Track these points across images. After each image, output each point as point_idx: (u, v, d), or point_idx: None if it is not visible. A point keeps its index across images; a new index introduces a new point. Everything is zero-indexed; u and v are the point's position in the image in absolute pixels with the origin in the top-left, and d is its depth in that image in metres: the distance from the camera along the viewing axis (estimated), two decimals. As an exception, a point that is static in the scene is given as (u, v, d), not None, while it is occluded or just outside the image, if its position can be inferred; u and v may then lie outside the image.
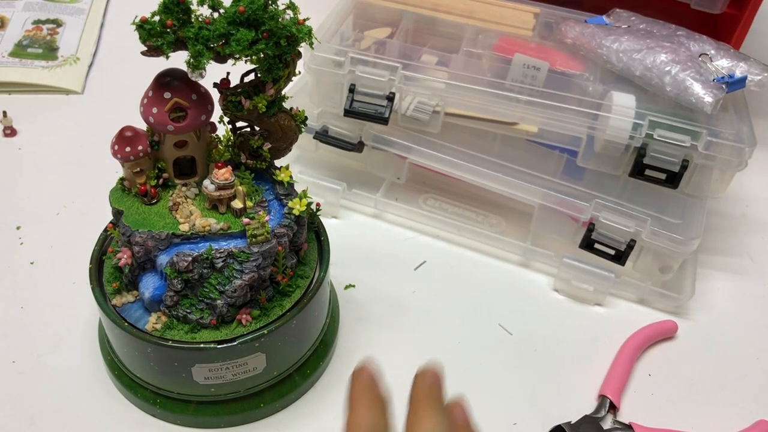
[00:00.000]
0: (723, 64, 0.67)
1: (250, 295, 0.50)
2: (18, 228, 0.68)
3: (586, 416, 0.57)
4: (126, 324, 0.50)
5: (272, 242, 0.49)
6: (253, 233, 0.48)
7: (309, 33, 0.45)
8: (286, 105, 0.51)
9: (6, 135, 0.77)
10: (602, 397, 0.58)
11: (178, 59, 0.46)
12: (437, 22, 0.76)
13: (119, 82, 0.87)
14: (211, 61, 0.44)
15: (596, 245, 0.65)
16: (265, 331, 0.50)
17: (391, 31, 0.75)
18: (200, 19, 0.44)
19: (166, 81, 0.47)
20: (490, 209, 0.73)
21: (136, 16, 0.43)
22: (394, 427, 0.34)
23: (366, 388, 0.34)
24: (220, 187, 0.49)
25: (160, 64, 0.47)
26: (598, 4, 0.78)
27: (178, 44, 0.44)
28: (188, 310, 0.49)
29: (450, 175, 0.69)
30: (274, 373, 0.54)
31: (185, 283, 0.48)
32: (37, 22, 0.93)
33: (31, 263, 0.65)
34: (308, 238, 0.56)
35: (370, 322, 0.63)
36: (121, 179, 0.51)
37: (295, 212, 0.50)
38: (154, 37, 0.43)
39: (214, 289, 0.48)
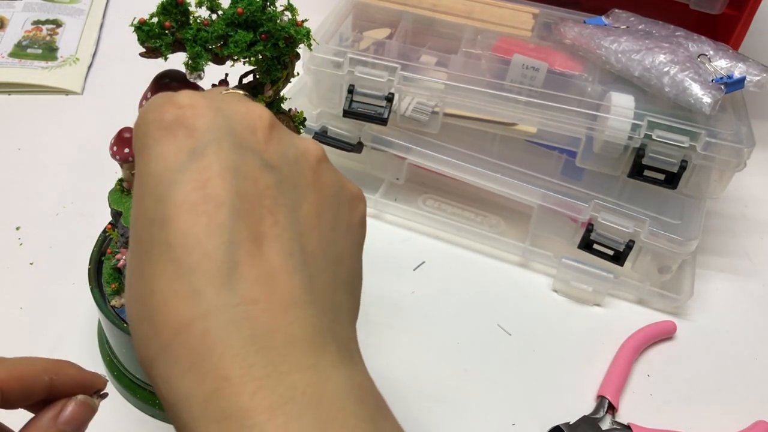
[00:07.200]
0: (722, 64, 0.66)
1: (249, 296, 0.50)
2: (17, 228, 0.68)
3: (584, 417, 0.57)
4: (125, 325, 0.50)
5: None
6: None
7: (307, 34, 0.45)
8: (285, 106, 0.51)
9: None
10: (601, 398, 0.58)
11: (177, 61, 0.46)
12: (436, 23, 0.76)
13: (119, 83, 0.87)
14: (209, 63, 0.44)
15: (595, 246, 0.65)
16: (264, 332, 0.49)
17: (390, 31, 0.75)
18: (198, 21, 0.44)
19: (164, 82, 0.47)
20: (489, 210, 0.73)
21: (135, 18, 0.43)
22: None
23: None
24: (218, 188, 0.49)
25: (159, 65, 0.47)
26: (597, 5, 0.78)
27: (177, 46, 0.44)
28: (187, 311, 0.49)
29: (449, 176, 0.69)
30: (273, 373, 0.53)
31: (184, 284, 0.48)
32: (37, 23, 0.93)
33: (31, 264, 0.65)
34: (307, 238, 0.56)
35: (369, 323, 0.63)
36: (120, 180, 0.51)
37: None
38: (153, 38, 0.43)
39: (212, 290, 0.48)
